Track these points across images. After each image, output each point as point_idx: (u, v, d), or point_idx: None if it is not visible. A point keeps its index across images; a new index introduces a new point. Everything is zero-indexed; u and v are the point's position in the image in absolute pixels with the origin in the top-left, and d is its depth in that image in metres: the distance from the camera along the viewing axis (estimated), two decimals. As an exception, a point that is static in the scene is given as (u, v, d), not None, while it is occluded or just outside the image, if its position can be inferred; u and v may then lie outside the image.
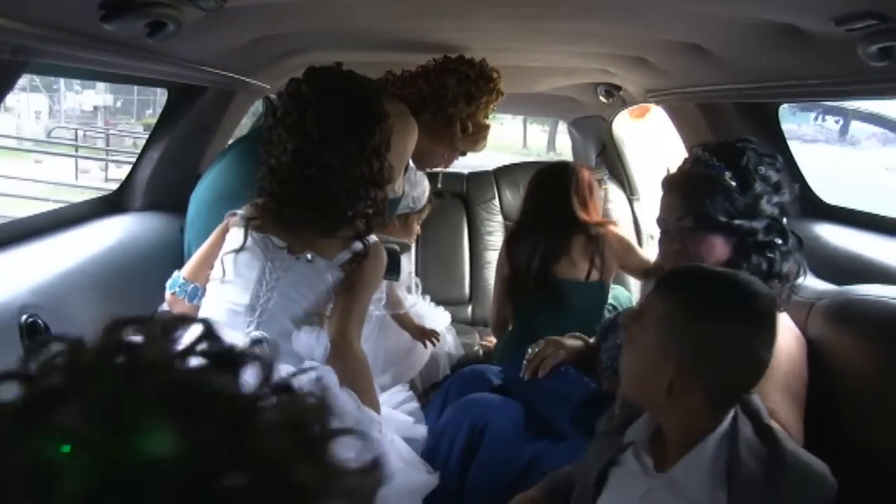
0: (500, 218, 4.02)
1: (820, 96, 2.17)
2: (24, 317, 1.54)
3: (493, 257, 3.93)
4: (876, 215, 2.39)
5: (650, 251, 3.64)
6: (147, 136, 2.64)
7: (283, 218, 1.86)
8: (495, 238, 3.98)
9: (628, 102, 3.44)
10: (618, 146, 3.94)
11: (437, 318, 3.17)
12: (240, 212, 1.91)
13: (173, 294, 1.93)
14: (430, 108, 2.43)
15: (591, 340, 2.12)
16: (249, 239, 1.85)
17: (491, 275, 3.90)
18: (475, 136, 2.55)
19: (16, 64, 1.19)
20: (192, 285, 1.92)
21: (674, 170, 1.83)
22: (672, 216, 1.75)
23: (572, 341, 2.12)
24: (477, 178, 4.04)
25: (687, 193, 1.73)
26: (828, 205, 2.41)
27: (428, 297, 3.35)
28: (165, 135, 2.54)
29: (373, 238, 1.92)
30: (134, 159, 2.61)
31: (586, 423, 1.80)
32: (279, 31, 2.02)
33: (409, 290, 3.18)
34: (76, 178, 12.23)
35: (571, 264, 2.71)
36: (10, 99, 23.78)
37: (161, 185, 2.56)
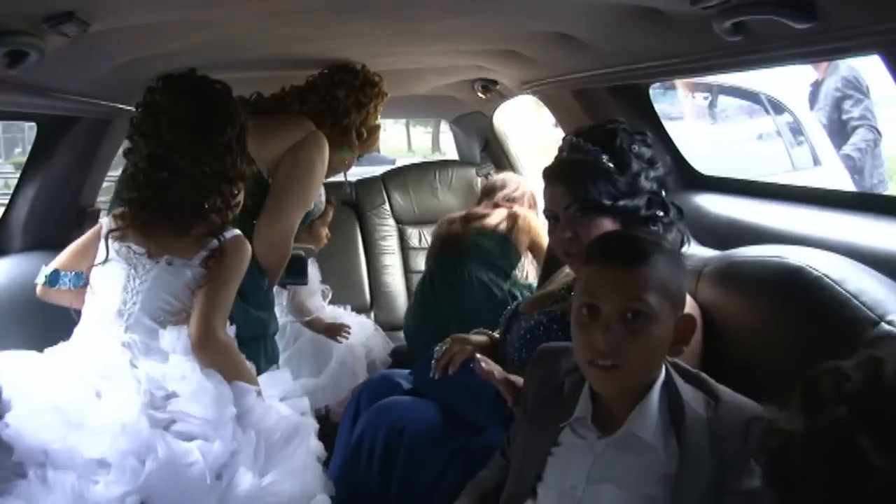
0: (392, 222, 4.05)
1: (683, 74, 2.27)
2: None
3: (389, 261, 3.95)
4: (748, 181, 2.53)
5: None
6: (17, 176, 2.53)
7: (140, 223, 1.96)
8: (389, 242, 4.01)
9: (505, 95, 3.50)
10: (500, 139, 4.01)
11: (364, 325, 3.28)
12: (103, 221, 2.03)
13: (44, 286, 2.04)
14: (327, 122, 2.54)
15: (495, 334, 2.15)
16: (112, 251, 1.96)
17: (390, 279, 3.93)
18: (370, 139, 2.70)
19: None
20: (73, 272, 2.04)
21: (551, 161, 1.89)
22: (559, 206, 1.81)
23: (477, 336, 2.14)
24: (366, 184, 4.04)
25: (570, 182, 1.78)
26: (704, 175, 2.52)
27: (349, 307, 3.42)
28: (39, 171, 2.44)
29: (233, 232, 2.02)
30: (5, 200, 2.51)
31: (502, 412, 1.84)
32: (152, 53, 1.97)
33: (323, 295, 3.23)
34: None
35: None
36: None
37: (41, 224, 2.45)
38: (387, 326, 3.55)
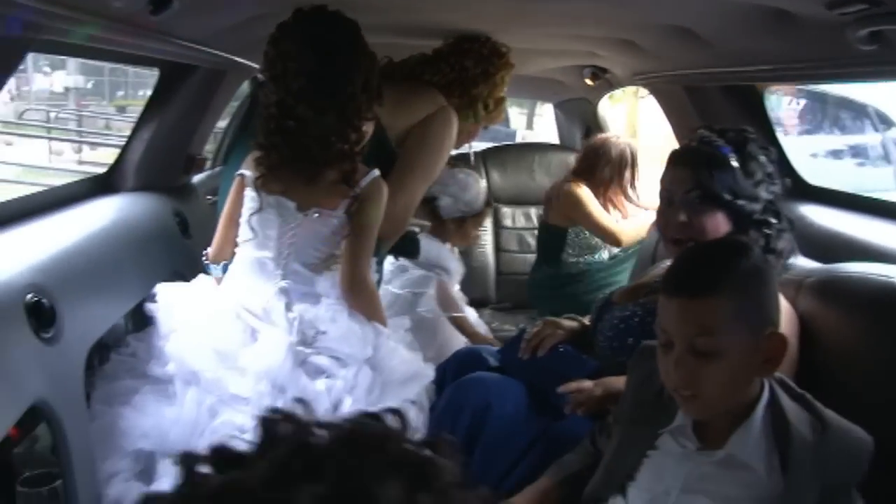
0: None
1: (806, 79, 2.22)
2: (29, 296, 1.54)
3: (482, 238, 3.96)
4: (856, 195, 2.46)
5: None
6: (119, 118, 2.65)
7: (273, 167, 2.04)
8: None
9: (614, 85, 3.48)
10: (603, 128, 3.97)
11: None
12: (246, 172, 2.09)
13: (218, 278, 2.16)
14: (455, 92, 2.56)
15: (586, 321, 2.16)
16: (264, 201, 2.05)
17: (481, 256, 3.96)
18: (496, 111, 2.71)
19: (23, 41, 1.20)
20: (223, 264, 2.15)
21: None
22: (680, 188, 1.81)
23: (569, 322, 2.15)
24: (464, 160, 4.06)
25: (696, 167, 1.79)
26: (811, 186, 2.47)
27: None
28: (156, 115, 2.53)
29: (369, 176, 2.08)
30: (107, 140, 2.63)
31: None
32: (275, 10, 2.02)
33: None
34: (49, 160, 12.07)
35: None
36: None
37: (152, 167, 2.55)
38: (475, 302, 3.56)
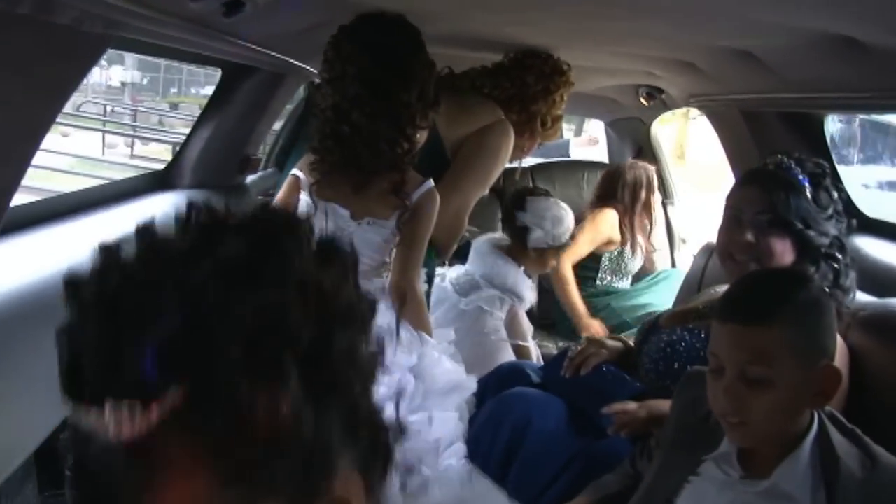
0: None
1: (870, 109, 2.18)
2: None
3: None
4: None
5: (683, 254, 3.67)
6: (171, 114, 2.70)
7: (325, 171, 2.05)
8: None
9: (669, 106, 3.46)
10: (655, 149, 3.96)
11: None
12: (300, 174, 2.12)
13: None
14: (515, 107, 2.58)
15: (631, 341, 2.15)
16: (318, 206, 2.06)
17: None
18: (553, 129, 2.73)
19: (105, 38, 1.23)
20: None
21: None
22: (751, 208, 1.80)
23: (613, 342, 2.15)
24: (513, 173, 4.06)
25: (772, 190, 1.78)
26: (869, 218, 2.42)
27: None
28: (215, 115, 2.58)
29: (422, 188, 2.08)
30: (159, 136, 2.68)
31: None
32: (340, 18, 2.05)
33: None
34: (102, 152, 12.31)
35: None
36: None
37: (209, 165, 2.59)
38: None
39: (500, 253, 3.08)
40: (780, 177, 1.79)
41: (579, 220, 3.46)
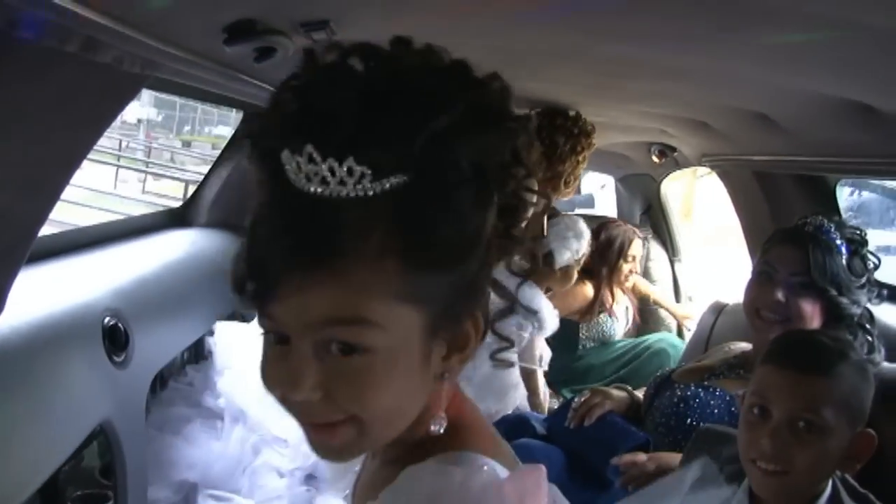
0: (544, 267, 4.06)
1: (884, 175, 2.19)
2: (107, 319, 1.59)
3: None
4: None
5: (690, 311, 3.66)
6: (184, 152, 2.74)
7: None
8: (543, 285, 4.02)
9: (681, 164, 3.48)
10: (664, 207, 3.98)
11: None
12: None
13: None
14: (542, 166, 2.55)
15: (637, 393, 2.15)
16: None
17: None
18: (572, 188, 2.76)
19: (141, 77, 1.26)
20: None
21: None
22: (786, 268, 1.79)
23: (618, 392, 2.15)
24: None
25: (810, 251, 1.77)
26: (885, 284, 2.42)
27: None
28: (235, 156, 2.61)
29: None
30: (171, 173, 2.72)
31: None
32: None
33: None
34: (115, 186, 12.42)
35: None
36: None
37: (226, 204, 2.62)
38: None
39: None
40: (818, 239, 1.78)
41: None
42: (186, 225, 2.56)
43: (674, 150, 3.32)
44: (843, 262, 1.77)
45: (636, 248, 3.55)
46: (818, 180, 2.49)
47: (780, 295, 1.79)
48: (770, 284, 1.82)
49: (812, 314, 1.77)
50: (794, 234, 1.85)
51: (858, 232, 1.84)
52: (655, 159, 3.50)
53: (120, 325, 1.62)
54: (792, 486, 1.33)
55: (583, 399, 2.12)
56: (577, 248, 3.03)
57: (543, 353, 3.08)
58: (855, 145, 1.97)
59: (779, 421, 1.31)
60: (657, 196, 4.00)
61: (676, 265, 3.99)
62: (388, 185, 0.68)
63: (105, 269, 1.82)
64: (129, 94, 1.30)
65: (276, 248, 0.72)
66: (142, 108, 20.34)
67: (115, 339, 1.60)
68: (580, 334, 3.50)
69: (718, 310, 2.66)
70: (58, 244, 1.82)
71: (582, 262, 3.13)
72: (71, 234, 1.96)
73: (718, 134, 2.60)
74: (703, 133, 2.70)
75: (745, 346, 2.10)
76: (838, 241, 1.78)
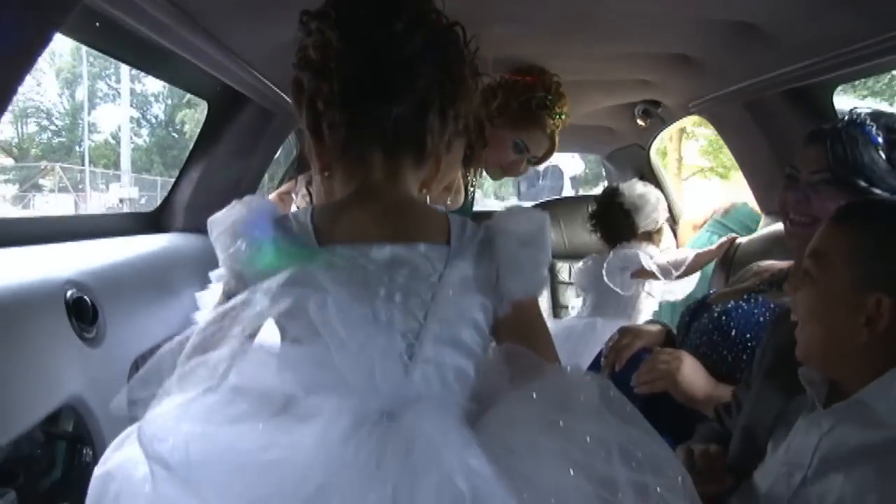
0: (540, 254, 3.94)
1: (876, 61, 2.06)
2: (70, 292, 1.46)
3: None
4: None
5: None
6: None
7: None
8: (537, 274, 3.90)
9: (667, 121, 3.38)
10: (657, 173, 3.88)
11: None
12: None
13: None
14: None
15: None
16: None
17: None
18: (521, 119, 2.52)
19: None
20: None
21: None
22: (807, 167, 1.69)
23: (650, 327, 2.05)
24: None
25: (831, 147, 1.66)
26: None
27: None
28: (204, 155, 2.50)
29: None
30: None
31: (662, 409, 1.72)
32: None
33: None
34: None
35: None
36: (39, 199, 24.38)
37: (202, 208, 2.50)
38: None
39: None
40: (837, 133, 1.67)
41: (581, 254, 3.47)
42: (161, 230, 2.43)
43: (658, 105, 3.22)
44: (879, 152, 1.64)
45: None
46: (813, 94, 2.38)
47: (801, 195, 1.68)
48: (794, 187, 1.72)
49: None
50: (816, 133, 1.76)
51: None
52: (641, 122, 3.40)
53: (86, 298, 1.49)
54: (804, 338, 1.27)
55: (611, 344, 2.01)
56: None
57: None
58: (842, 38, 1.87)
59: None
60: (647, 163, 3.90)
61: (678, 230, 3.88)
62: None
63: (69, 251, 1.70)
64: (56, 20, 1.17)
65: None
66: (122, 188, 20.41)
67: (82, 315, 1.47)
68: None
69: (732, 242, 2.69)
70: (19, 233, 1.70)
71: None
72: (32, 223, 1.83)
73: (702, 66, 2.50)
74: (686, 72, 2.60)
75: (780, 263, 2.01)
76: (873, 132, 1.66)
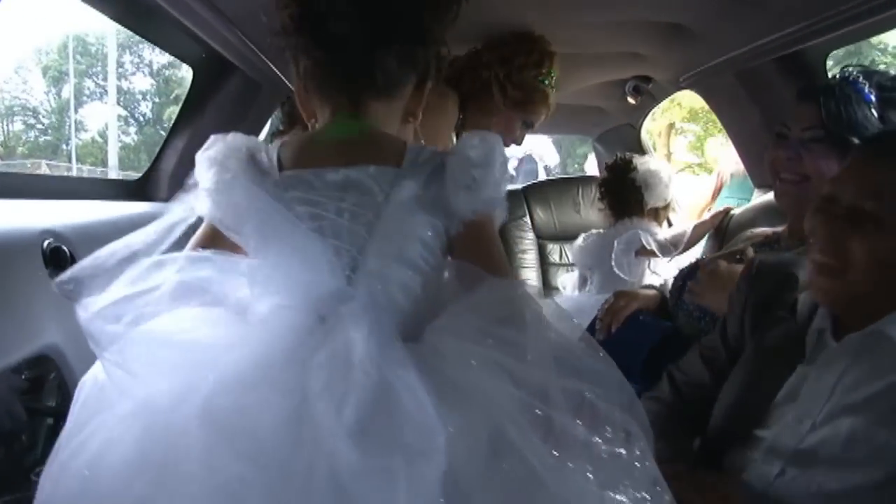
0: (532, 236, 3.92)
1: (868, 21, 2.04)
2: (47, 241, 1.42)
3: (528, 275, 3.80)
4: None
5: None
6: None
7: None
8: (529, 256, 3.88)
9: (658, 98, 3.36)
10: (648, 152, 3.86)
11: None
12: None
13: None
14: (467, 79, 2.42)
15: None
16: None
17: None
18: (526, 99, 2.49)
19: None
20: None
21: None
22: (799, 125, 1.69)
23: (646, 290, 2.04)
24: (506, 196, 3.94)
25: (824, 103, 1.65)
26: None
27: None
28: (190, 123, 2.46)
29: None
30: None
31: (660, 368, 1.68)
32: None
33: None
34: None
35: None
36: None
37: (186, 178, 2.45)
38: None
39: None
40: (830, 90, 1.67)
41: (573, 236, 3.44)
42: (146, 199, 2.39)
43: (649, 81, 3.19)
44: (872, 110, 1.63)
45: None
46: (804, 60, 2.35)
47: (793, 152, 1.67)
48: (785, 144, 1.71)
49: (829, 169, 1.64)
50: (806, 90, 1.75)
51: (893, 77, 1.69)
52: (631, 100, 3.38)
53: (64, 248, 1.45)
54: (852, 288, 1.18)
55: (607, 306, 2.01)
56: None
57: None
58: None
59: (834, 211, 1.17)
60: (638, 143, 3.88)
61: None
62: None
63: (50, 207, 1.66)
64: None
65: None
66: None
67: (61, 265, 1.43)
68: None
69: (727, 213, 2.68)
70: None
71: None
72: (12, 177, 1.79)
73: (694, 36, 2.48)
74: (678, 43, 2.58)
75: (771, 229, 2.02)
76: (865, 90, 1.64)
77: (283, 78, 2.54)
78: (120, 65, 30.79)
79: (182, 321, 1.05)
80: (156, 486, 0.90)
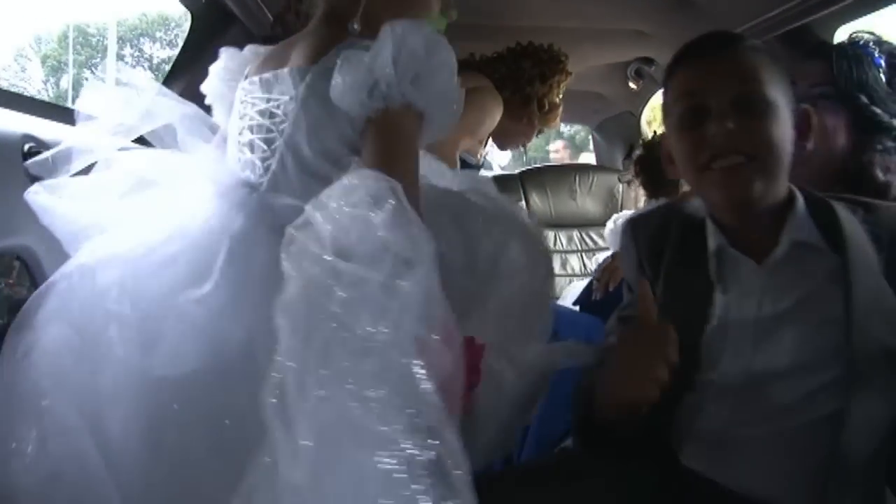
0: (528, 221, 3.89)
1: None
2: (29, 145, 1.38)
3: (524, 260, 3.76)
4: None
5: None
6: None
7: None
8: (525, 241, 3.85)
9: (658, 82, 3.33)
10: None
11: None
12: None
13: None
14: (509, 88, 2.56)
15: None
16: None
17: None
18: (551, 114, 2.70)
19: None
20: None
21: None
22: (806, 81, 1.62)
23: None
24: (502, 181, 3.93)
25: (834, 61, 1.60)
26: None
27: None
28: (184, 73, 2.39)
29: None
30: None
31: None
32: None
33: None
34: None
35: None
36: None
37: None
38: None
39: None
40: (844, 49, 1.62)
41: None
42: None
43: (651, 63, 3.17)
44: (881, 74, 1.59)
45: None
46: (813, 36, 2.33)
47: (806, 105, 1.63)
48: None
49: (836, 127, 1.60)
50: (818, 47, 1.71)
51: None
52: (633, 85, 3.37)
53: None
54: (759, 173, 1.20)
55: (604, 266, 1.99)
56: None
57: None
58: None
59: (720, 107, 1.19)
60: (638, 132, 3.86)
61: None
62: None
63: (36, 121, 1.61)
64: None
65: None
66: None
67: (42, 168, 1.38)
68: None
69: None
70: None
71: None
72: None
73: (699, 10, 2.45)
74: (683, 18, 2.55)
75: None
76: (876, 55, 1.61)
77: (283, 34, 2.50)
78: (120, 57, 30.72)
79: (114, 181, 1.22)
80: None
